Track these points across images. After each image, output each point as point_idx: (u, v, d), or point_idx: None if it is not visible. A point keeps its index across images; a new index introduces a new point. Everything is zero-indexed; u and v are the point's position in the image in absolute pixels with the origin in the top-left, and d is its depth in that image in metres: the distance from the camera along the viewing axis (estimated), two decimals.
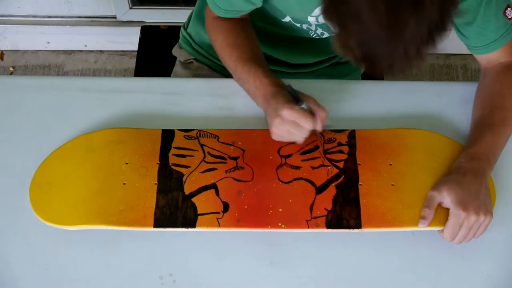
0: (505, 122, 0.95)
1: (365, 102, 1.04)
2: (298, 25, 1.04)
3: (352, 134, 0.98)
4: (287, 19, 1.03)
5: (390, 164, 0.95)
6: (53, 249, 0.91)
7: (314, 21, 0.99)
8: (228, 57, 1.01)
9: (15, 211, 0.93)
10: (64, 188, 0.93)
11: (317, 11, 0.96)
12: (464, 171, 0.90)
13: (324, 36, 1.07)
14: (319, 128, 0.92)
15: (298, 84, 1.06)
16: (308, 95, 0.94)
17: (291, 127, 0.91)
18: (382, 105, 1.03)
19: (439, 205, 0.89)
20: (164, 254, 0.90)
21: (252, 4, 0.98)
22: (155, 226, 0.90)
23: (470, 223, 0.87)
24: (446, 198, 0.88)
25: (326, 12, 0.73)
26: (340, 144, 0.97)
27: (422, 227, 0.89)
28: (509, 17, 0.93)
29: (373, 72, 0.76)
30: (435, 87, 1.04)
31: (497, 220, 0.91)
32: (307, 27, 1.05)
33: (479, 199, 0.88)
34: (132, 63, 1.90)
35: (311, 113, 0.91)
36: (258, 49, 1.03)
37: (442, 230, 0.89)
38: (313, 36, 1.07)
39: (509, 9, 0.93)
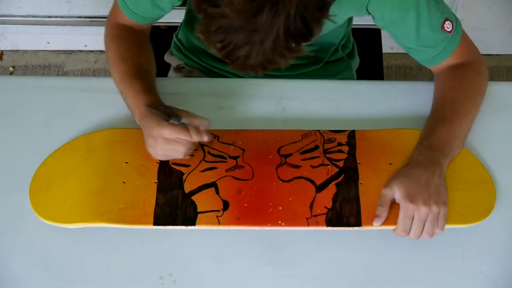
0: (457, 113, 0.95)
1: (365, 102, 1.04)
2: None
3: (351, 135, 0.98)
4: None
5: (390, 163, 0.95)
6: (53, 249, 0.90)
7: None
8: (116, 69, 1.00)
9: (15, 211, 0.93)
10: (64, 187, 0.93)
11: None
12: (415, 164, 0.91)
13: None
14: (205, 138, 0.91)
15: (298, 85, 1.06)
16: (183, 109, 0.92)
17: (164, 144, 0.90)
18: (382, 105, 1.03)
19: (395, 202, 0.90)
20: (164, 254, 0.90)
21: (160, 10, 0.99)
22: (155, 224, 0.90)
23: (421, 215, 0.86)
24: (396, 192, 0.89)
25: (193, 4, 0.73)
26: (340, 144, 0.97)
27: (377, 226, 0.89)
28: (448, 30, 0.95)
29: (233, 65, 0.75)
30: None
31: (497, 220, 0.91)
32: None
33: (429, 189, 0.87)
34: None
35: (187, 127, 0.90)
36: (147, 64, 1.02)
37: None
38: None
39: (447, 22, 0.95)
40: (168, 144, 0.90)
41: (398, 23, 0.94)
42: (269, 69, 0.75)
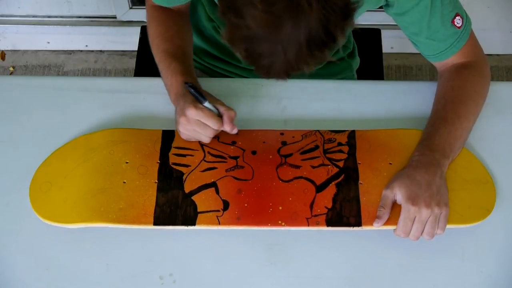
0: (459, 115, 0.95)
1: (365, 102, 1.04)
2: None
3: (352, 135, 0.98)
4: None
5: (390, 164, 0.95)
6: (53, 249, 0.91)
7: None
8: (156, 48, 1.02)
9: (15, 211, 0.93)
10: (64, 187, 0.93)
11: None
12: (416, 164, 0.91)
13: None
14: (227, 128, 0.93)
15: (298, 85, 1.06)
16: (215, 97, 0.95)
17: (196, 126, 0.92)
18: (382, 105, 1.03)
19: (395, 202, 0.90)
20: (164, 254, 0.90)
21: None
22: (155, 224, 0.90)
23: (422, 217, 0.86)
24: (397, 194, 0.89)
25: (219, 11, 0.74)
26: (340, 144, 0.97)
27: (377, 226, 0.89)
28: (458, 25, 0.95)
29: (258, 71, 0.76)
30: (435, 87, 1.04)
31: (497, 220, 0.91)
32: None
33: (430, 191, 0.87)
34: (132, 63, 1.90)
35: (218, 114, 0.93)
36: (186, 44, 1.04)
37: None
38: None
39: (457, 17, 0.95)
40: (191, 125, 0.92)
41: (412, 11, 0.93)
42: (293, 74, 0.76)
